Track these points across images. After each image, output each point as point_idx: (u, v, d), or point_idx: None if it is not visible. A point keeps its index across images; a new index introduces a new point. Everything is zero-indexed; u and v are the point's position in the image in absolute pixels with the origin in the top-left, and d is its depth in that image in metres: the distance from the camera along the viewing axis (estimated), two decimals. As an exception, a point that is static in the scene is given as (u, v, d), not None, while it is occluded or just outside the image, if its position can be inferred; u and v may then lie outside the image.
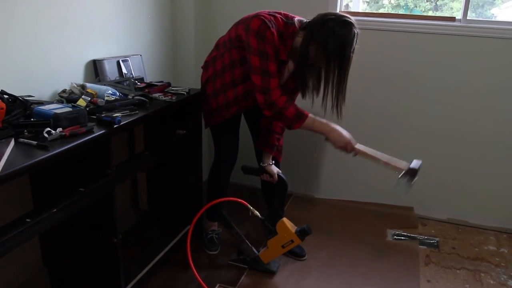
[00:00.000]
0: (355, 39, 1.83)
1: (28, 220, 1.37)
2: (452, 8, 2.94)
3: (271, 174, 2.23)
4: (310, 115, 1.99)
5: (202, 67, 2.23)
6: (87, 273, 1.89)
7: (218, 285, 2.12)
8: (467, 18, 2.52)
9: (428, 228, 2.76)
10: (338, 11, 2.69)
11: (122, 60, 2.24)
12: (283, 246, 2.18)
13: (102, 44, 2.17)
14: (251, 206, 2.12)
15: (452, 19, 2.57)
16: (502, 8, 2.87)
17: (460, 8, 2.55)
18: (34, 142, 1.37)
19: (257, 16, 1.90)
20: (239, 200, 2.13)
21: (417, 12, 3.05)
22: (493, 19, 2.72)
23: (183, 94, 2.10)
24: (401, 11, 3.06)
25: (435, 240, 2.61)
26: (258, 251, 2.24)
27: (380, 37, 2.65)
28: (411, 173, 1.93)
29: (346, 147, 2.00)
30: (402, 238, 2.62)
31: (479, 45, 2.50)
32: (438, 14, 2.98)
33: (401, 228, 2.72)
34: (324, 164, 3.01)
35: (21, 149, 1.35)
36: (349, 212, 2.90)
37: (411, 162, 1.96)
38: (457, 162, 2.73)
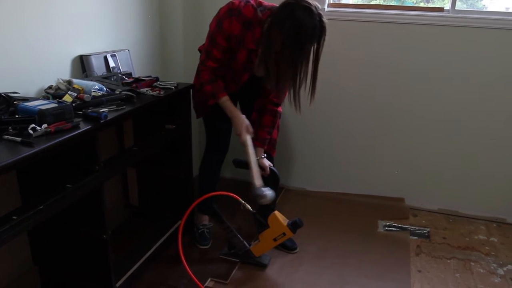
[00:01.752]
0: (316, 27, 1.79)
1: (14, 217, 1.36)
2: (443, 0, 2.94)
3: (263, 168, 2.22)
4: (224, 98, 2.06)
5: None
6: (78, 270, 1.88)
7: (209, 279, 2.12)
8: (456, 8, 2.52)
9: (419, 218, 2.77)
10: (327, 2, 2.69)
11: (109, 55, 2.22)
12: (275, 239, 2.18)
13: (89, 39, 2.15)
14: (243, 200, 2.12)
15: (441, 9, 2.57)
16: (492, -1, 2.88)
17: (450, -1, 2.56)
18: (19, 139, 1.36)
19: (229, 3, 1.94)
20: (231, 194, 2.12)
21: (408, 3, 3.05)
22: (484, 10, 2.72)
23: (171, 88, 2.09)
24: (393, 3, 3.06)
25: (426, 230, 2.63)
26: (250, 245, 2.24)
27: (370, 29, 2.65)
28: (257, 193, 2.06)
29: (239, 135, 2.11)
30: (393, 229, 2.63)
31: (467, 35, 2.50)
32: (430, 5, 2.98)
33: (392, 219, 2.73)
34: (315, 157, 3.01)
35: (5, 146, 1.34)
36: (341, 204, 2.91)
37: (264, 190, 2.06)
38: (447, 152, 2.74)
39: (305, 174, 3.06)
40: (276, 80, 1.94)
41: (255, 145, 2.21)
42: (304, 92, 1.97)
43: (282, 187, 3.06)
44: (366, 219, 2.72)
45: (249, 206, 2.13)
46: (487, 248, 2.46)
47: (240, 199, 2.11)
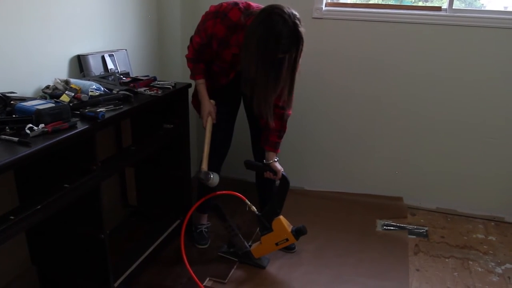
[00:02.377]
0: (290, 35, 1.74)
1: (11, 217, 1.36)
2: (442, -1, 2.94)
3: (275, 172, 2.18)
4: (199, 81, 2.11)
5: None
6: (76, 270, 1.88)
7: (208, 278, 2.12)
8: (453, 7, 2.53)
9: (417, 217, 2.77)
10: (324, 2, 2.69)
11: (107, 55, 2.22)
12: (276, 244, 2.17)
13: (87, 39, 2.15)
14: (248, 201, 2.11)
15: (438, 8, 2.57)
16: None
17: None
18: (16, 139, 1.36)
19: (219, 4, 1.95)
20: (237, 194, 2.11)
21: (407, 2, 3.05)
22: (482, 9, 2.73)
23: (169, 88, 2.09)
24: (391, 2, 3.06)
25: (424, 229, 2.63)
26: (250, 246, 2.24)
27: (368, 28, 2.65)
28: (201, 176, 2.10)
29: (202, 119, 2.16)
30: (392, 228, 2.63)
31: (465, 34, 2.51)
32: (428, 4, 2.98)
33: (390, 218, 2.73)
34: (314, 156, 3.01)
35: (3, 145, 1.34)
36: (339, 204, 2.91)
37: (211, 174, 2.08)
38: (446, 151, 2.74)
39: (303, 173, 3.06)
40: (251, 86, 1.91)
41: (266, 150, 2.18)
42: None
43: (281, 187, 3.05)
44: (364, 218, 2.72)
45: (254, 208, 2.12)
46: (485, 247, 2.46)
47: (246, 200, 2.11)
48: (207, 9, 2.60)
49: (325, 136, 2.94)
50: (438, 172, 2.80)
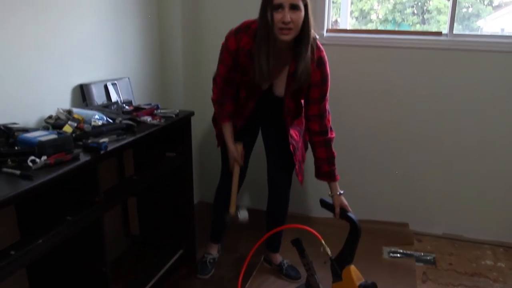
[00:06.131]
0: None
1: (12, 252, 1.33)
2: (439, 21, 2.97)
3: (334, 206, 2.08)
4: (225, 124, 2.09)
5: None
6: (77, 304, 1.83)
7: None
8: (454, 32, 2.54)
9: (423, 244, 2.72)
10: (325, 28, 2.71)
11: (110, 84, 2.22)
12: None
13: (89, 68, 2.15)
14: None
15: (439, 33, 2.59)
16: (487, 20, 2.91)
17: (447, 22, 2.57)
18: (18, 172, 1.34)
19: (237, 26, 1.96)
20: (314, 232, 2.00)
21: (405, 26, 3.08)
22: (479, 31, 2.75)
23: (172, 116, 2.08)
24: (389, 26, 3.09)
25: (431, 256, 2.58)
26: None
27: (368, 53, 2.66)
28: (228, 220, 2.13)
29: (231, 164, 2.14)
30: (398, 255, 2.58)
31: (466, 59, 2.52)
32: (426, 27, 3.01)
33: (396, 245, 2.68)
34: (318, 183, 2.96)
35: (4, 179, 1.32)
36: (344, 231, 2.83)
37: (238, 214, 2.09)
38: (450, 176, 2.72)
39: (309, 200, 3.02)
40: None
41: (325, 181, 2.14)
42: None
43: (284, 213, 3.01)
44: (370, 245, 2.66)
45: (329, 249, 2.01)
46: (494, 273, 2.41)
47: (322, 241, 1.99)
48: (209, 36, 2.64)
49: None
50: (444, 197, 2.76)
